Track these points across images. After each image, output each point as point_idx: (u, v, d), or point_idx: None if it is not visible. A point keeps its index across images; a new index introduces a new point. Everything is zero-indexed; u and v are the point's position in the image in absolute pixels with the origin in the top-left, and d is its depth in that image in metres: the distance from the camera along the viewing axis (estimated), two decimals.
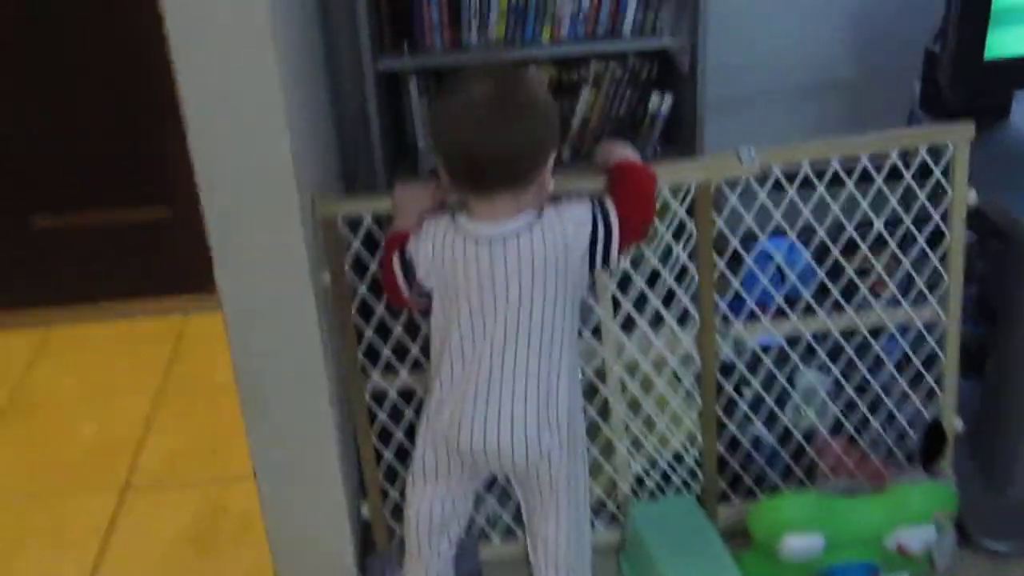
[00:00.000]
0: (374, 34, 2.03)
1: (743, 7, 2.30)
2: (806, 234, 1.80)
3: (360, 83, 2.05)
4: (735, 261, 1.77)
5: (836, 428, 1.92)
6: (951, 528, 1.72)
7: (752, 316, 1.80)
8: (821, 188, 1.71)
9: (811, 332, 1.82)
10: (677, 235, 1.72)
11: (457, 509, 1.67)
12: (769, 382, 1.84)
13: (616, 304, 1.76)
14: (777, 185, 1.72)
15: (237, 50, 1.41)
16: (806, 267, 1.92)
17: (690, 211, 1.70)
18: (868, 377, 1.84)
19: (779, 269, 1.89)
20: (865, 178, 1.71)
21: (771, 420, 1.88)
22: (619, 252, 1.53)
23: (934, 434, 1.87)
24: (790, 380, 1.87)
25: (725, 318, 1.79)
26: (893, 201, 1.71)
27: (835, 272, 1.80)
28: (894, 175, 1.72)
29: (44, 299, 2.80)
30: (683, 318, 1.79)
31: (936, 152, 1.71)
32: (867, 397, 1.87)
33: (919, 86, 2.05)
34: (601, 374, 1.81)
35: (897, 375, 1.85)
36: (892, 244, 1.77)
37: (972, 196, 1.72)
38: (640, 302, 1.77)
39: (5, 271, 2.75)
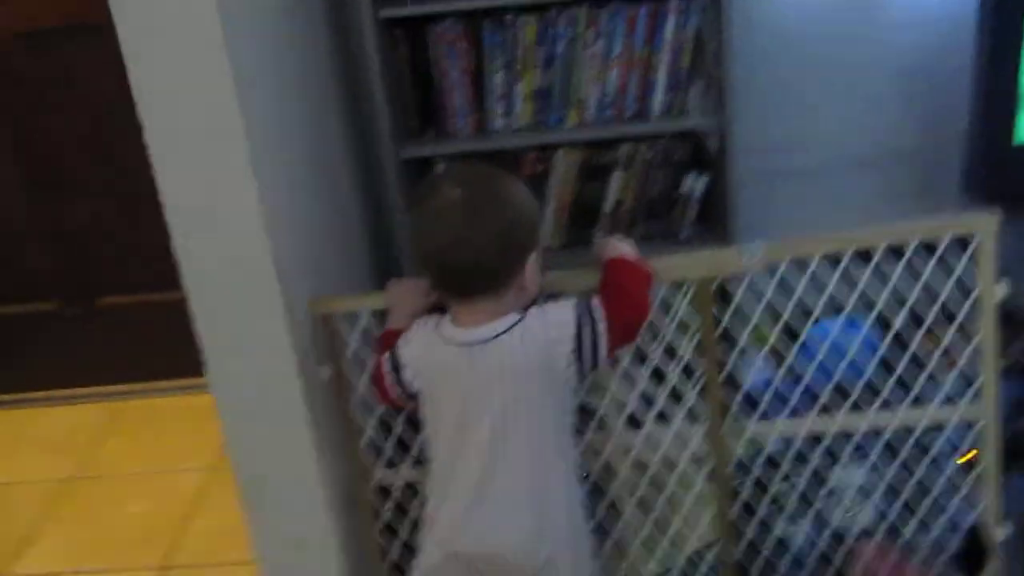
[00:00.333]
0: (397, 121, 2.04)
1: (777, 84, 2.22)
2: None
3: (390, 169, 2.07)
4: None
5: (868, 531, 1.80)
6: None
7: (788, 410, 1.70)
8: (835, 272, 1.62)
9: (843, 428, 1.71)
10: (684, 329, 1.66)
11: None
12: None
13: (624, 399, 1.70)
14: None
15: (213, 159, 1.44)
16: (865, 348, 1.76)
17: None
18: (912, 474, 1.71)
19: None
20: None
21: (797, 520, 1.78)
22: (609, 354, 1.48)
23: (975, 542, 1.74)
24: (820, 476, 1.77)
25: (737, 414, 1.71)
26: (915, 292, 1.61)
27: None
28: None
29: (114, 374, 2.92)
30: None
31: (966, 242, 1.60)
32: (905, 498, 1.75)
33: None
34: (609, 470, 1.75)
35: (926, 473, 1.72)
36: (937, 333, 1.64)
37: (1002, 288, 1.60)
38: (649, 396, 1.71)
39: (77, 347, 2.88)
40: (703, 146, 2.10)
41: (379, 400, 1.61)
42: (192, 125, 1.43)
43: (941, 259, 1.59)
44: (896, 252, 1.61)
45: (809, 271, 1.62)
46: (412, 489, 1.78)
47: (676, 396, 1.71)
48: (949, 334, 1.65)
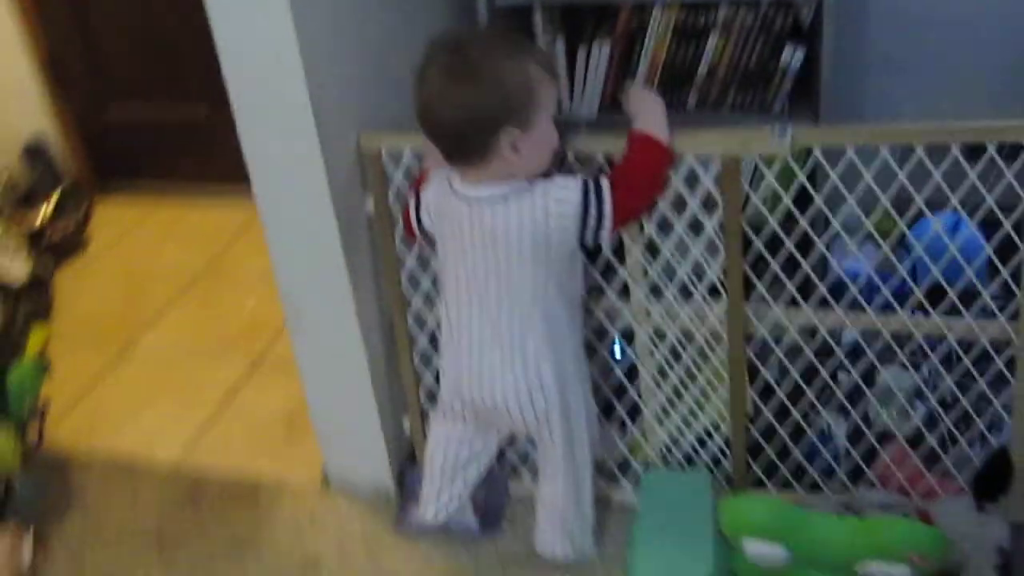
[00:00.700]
0: None
1: None
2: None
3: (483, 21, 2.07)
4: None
5: (888, 436, 1.76)
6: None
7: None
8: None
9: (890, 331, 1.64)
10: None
11: (475, 454, 1.74)
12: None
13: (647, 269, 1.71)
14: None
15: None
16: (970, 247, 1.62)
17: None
18: (954, 388, 1.65)
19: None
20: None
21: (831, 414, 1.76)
22: (612, 232, 1.49)
23: (998, 463, 1.67)
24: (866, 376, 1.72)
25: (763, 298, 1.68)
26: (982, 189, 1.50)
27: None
28: None
29: None
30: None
31: None
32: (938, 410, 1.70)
33: None
34: (629, 335, 1.78)
35: (959, 394, 1.65)
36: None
37: None
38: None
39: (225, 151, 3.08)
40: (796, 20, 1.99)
41: (407, 236, 1.70)
42: None
43: None
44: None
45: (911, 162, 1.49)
46: None
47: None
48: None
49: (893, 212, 1.54)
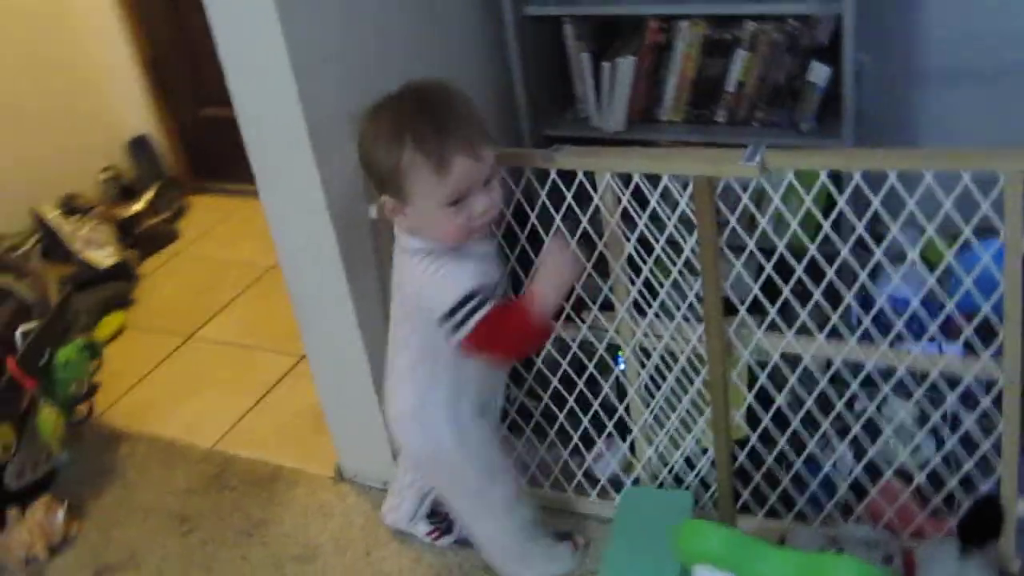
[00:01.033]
0: None
1: None
2: None
3: (510, 29, 2.11)
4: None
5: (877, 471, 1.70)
6: None
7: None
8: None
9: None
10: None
11: None
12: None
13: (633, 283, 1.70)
14: None
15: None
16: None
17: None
18: (960, 417, 1.57)
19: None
20: None
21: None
22: (459, 346, 1.48)
23: (987, 509, 1.59)
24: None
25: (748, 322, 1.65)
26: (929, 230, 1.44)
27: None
28: None
29: None
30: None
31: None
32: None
33: None
34: (615, 350, 1.78)
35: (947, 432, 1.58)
36: None
37: None
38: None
39: None
40: (834, 33, 1.94)
41: None
42: None
43: None
44: None
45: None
46: None
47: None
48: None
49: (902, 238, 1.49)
